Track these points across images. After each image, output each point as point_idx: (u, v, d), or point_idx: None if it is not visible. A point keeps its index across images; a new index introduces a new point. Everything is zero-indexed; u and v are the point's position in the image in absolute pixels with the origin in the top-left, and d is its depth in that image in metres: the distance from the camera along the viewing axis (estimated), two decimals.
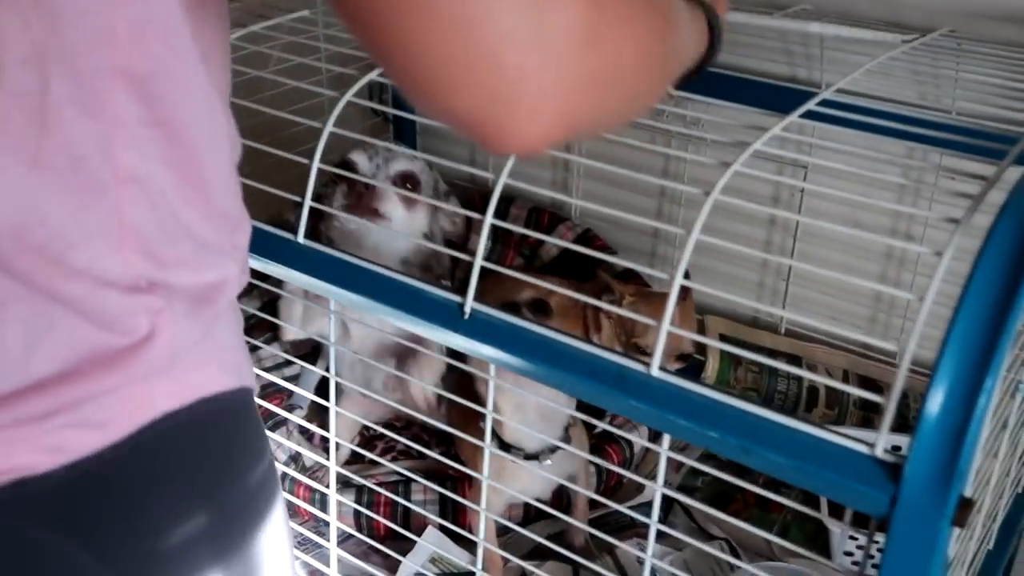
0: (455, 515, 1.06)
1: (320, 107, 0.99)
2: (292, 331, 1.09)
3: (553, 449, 0.96)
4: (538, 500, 0.99)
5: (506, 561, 0.99)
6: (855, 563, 1.01)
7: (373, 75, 0.86)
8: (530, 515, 1.11)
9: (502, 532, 1.06)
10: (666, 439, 0.65)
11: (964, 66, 1.11)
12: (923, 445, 0.55)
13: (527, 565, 0.89)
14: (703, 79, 1.25)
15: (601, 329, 1.18)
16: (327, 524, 0.99)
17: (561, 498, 1.10)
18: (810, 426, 0.60)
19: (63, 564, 0.50)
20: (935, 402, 0.55)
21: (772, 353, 1.36)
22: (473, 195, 1.39)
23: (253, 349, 1.16)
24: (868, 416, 1.29)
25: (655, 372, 0.64)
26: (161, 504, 0.53)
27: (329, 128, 0.82)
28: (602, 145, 1.22)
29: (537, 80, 0.43)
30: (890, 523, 0.56)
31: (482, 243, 0.72)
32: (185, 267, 0.49)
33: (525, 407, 0.91)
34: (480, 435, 0.81)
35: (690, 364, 1.36)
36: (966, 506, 0.55)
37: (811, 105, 0.86)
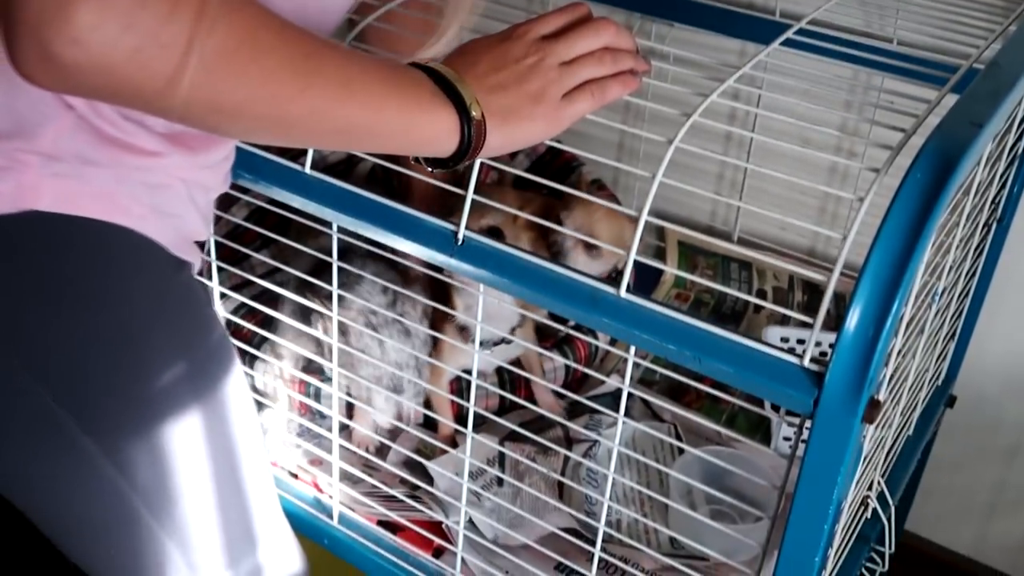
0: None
1: None
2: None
3: (498, 342, 1.11)
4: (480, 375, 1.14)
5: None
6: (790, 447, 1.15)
7: None
8: (504, 406, 1.24)
9: (480, 422, 1.19)
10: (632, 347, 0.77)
11: (904, 1, 1.20)
12: (841, 357, 0.68)
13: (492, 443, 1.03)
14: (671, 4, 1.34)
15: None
16: (322, 416, 1.11)
17: (530, 391, 1.23)
18: (751, 340, 0.72)
19: None
20: (851, 321, 0.67)
21: (725, 259, 1.48)
22: None
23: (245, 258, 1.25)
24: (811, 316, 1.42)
25: (623, 294, 0.76)
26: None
27: None
28: None
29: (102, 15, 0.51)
30: (813, 420, 0.69)
31: (474, 176, 0.82)
32: None
33: (473, 307, 1.03)
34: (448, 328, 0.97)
35: (651, 266, 1.48)
36: (875, 406, 0.68)
37: (790, 34, 0.96)
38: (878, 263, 0.66)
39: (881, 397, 0.71)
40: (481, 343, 1.09)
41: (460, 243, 0.82)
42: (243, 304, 1.17)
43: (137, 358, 0.70)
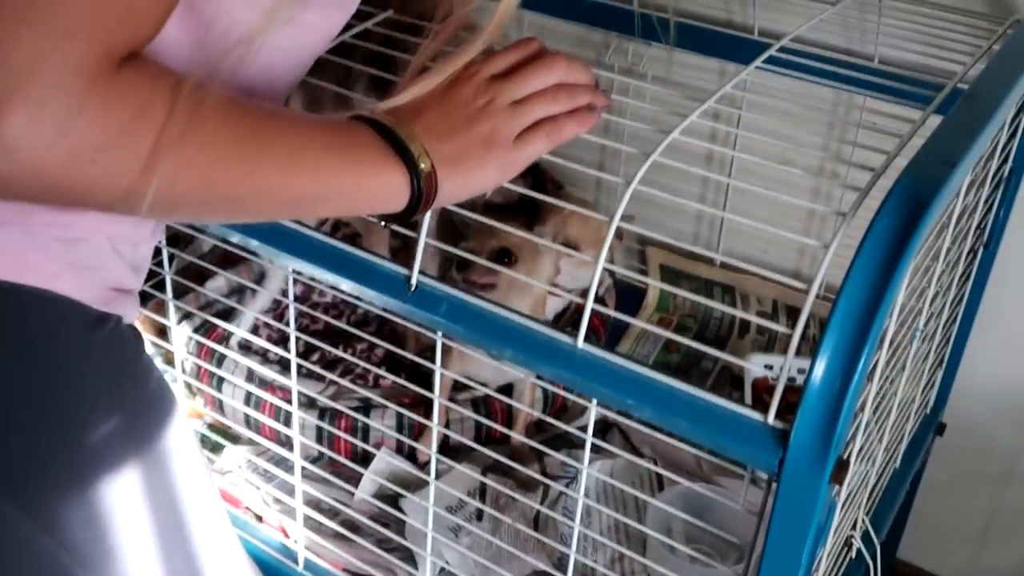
0: (412, 435, 1.16)
1: None
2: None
3: None
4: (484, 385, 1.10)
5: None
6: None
7: None
8: (481, 436, 1.20)
9: (458, 451, 1.15)
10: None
11: (887, 20, 1.17)
12: (806, 414, 0.64)
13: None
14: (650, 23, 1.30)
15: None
16: (291, 448, 1.08)
17: (510, 418, 1.20)
18: (714, 397, 0.68)
19: None
20: (817, 375, 0.63)
21: (708, 283, 1.45)
22: None
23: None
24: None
25: (580, 345, 0.72)
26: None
27: None
28: None
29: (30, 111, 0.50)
30: (779, 480, 0.66)
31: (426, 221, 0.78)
32: None
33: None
34: None
35: (634, 291, 1.44)
36: (842, 467, 0.65)
37: (772, 52, 0.93)
38: (844, 313, 0.63)
39: (855, 447, 0.68)
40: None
41: (413, 289, 0.78)
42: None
43: (61, 418, 0.67)
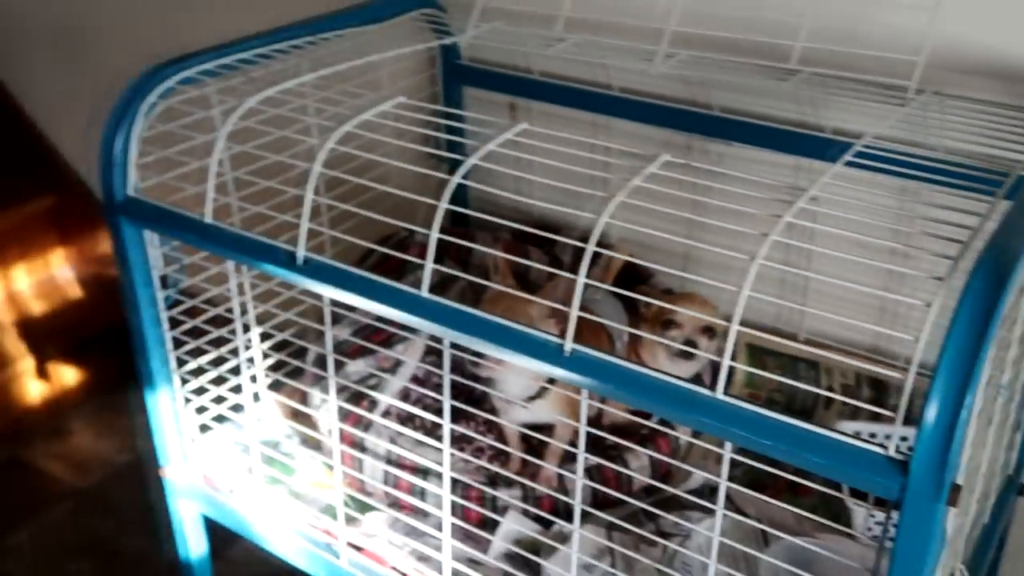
0: (536, 505, 1.28)
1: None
2: None
3: (532, 397, 1.27)
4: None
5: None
6: (874, 536, 1.21)
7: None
8: (598, 501, 1.31)
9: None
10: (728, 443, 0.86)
11: (948, 115, 1.31)
12: (923, 445, 0.76)
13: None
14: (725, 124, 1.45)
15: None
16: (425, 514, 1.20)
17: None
18: (841, 434, 0.80)
19: None
20: (930, 414, 0.75)
21: (793, 359, 1.56)
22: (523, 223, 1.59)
23: (340, 366, 1.36)
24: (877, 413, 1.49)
25: (719, 395, 0.85)
26: None
27: None
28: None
29: None
30: (901, 504, 0.77)
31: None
32: None
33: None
34: None
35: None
36: (956, 490, 0.76)
37: (850, 156, 1.06)
38: (949, 363, 0.75)
39: (960, 482, 0.79)
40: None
41: (569, 354, 0.92)
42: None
43: None
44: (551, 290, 1.26)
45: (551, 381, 1.25)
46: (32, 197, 2.62)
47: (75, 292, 2.64)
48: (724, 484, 0.90)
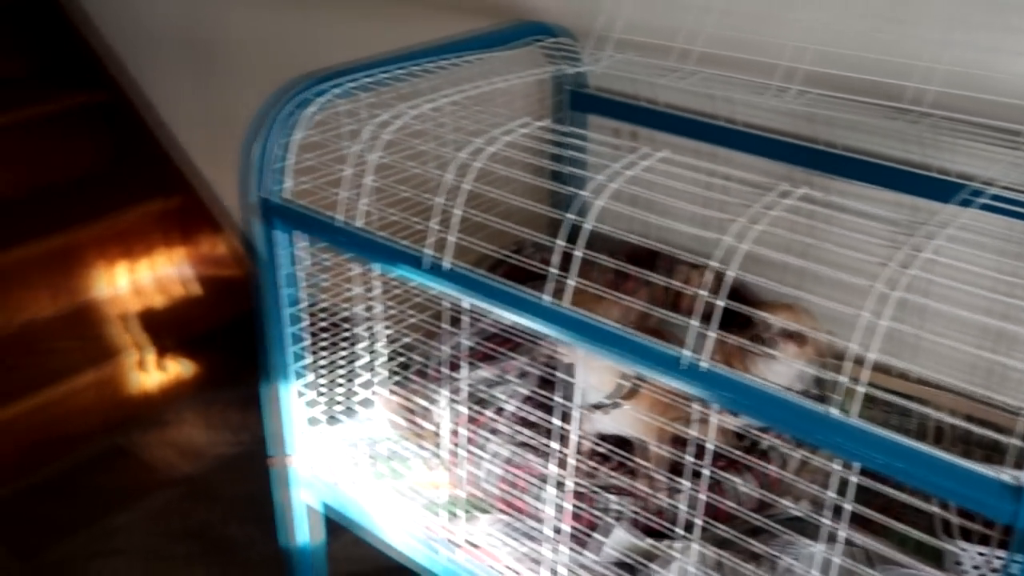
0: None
1: None
2: None
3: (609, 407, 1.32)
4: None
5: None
6: (976, 566, 1.23)
7: None
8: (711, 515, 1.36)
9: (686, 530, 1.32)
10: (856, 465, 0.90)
11: None
12: None
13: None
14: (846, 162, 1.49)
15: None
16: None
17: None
18: (961, 460, 0.84)
19: None
20: None
21: (904, 396, 1.58)
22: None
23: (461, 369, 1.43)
24: (988, 453, 1.51)
25: (852, 420, 0.89)
26: None
27: None
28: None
29: None
30: (1015, 525, 0.81)
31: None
32: None
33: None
34: None
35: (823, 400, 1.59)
36: None
37: (985, 199, 1.10)
38: None
39: None
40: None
41: (684, 366, 0.97)
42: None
43: None
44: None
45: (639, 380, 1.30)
46: (159, 197, 2.76)
47: (191, 290, 2.77)
48: (849, 506, 0.94)
